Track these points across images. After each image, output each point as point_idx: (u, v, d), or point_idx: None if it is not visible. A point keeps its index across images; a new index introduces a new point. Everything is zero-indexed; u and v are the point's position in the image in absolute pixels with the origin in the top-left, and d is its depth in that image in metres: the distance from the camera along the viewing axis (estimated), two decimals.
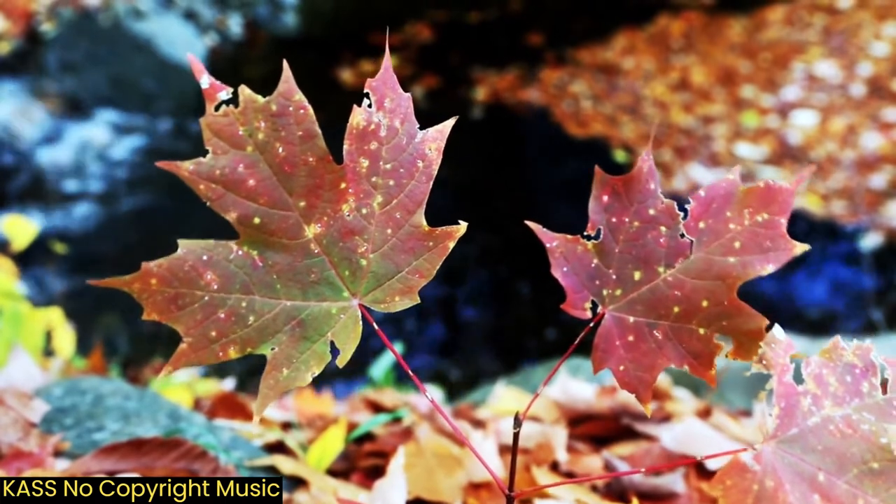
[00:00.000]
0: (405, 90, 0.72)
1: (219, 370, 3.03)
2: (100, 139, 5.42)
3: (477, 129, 5.66)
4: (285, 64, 0.68)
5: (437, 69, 6.34)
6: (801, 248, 0.71)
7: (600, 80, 6.18)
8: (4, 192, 5.00)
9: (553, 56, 6.47)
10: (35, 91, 5.80)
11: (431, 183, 0.72)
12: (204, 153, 0.68)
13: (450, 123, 0.73)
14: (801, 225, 4.59)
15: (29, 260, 3.96)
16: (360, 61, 6.38)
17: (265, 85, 0.69)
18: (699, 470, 1.31)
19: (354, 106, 0.71)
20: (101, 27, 6.21)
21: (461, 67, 6.36)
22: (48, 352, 2.13)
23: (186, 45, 6.21)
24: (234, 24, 6.92)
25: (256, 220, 0.70)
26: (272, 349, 0.71)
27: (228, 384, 2.35)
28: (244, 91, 0.68)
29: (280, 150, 0.69)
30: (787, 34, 6.59)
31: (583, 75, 6.24)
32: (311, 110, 0.69)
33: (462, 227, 0.73)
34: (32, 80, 5.91)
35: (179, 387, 1.94)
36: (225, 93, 0.68)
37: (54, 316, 2.12)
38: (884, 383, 0.75)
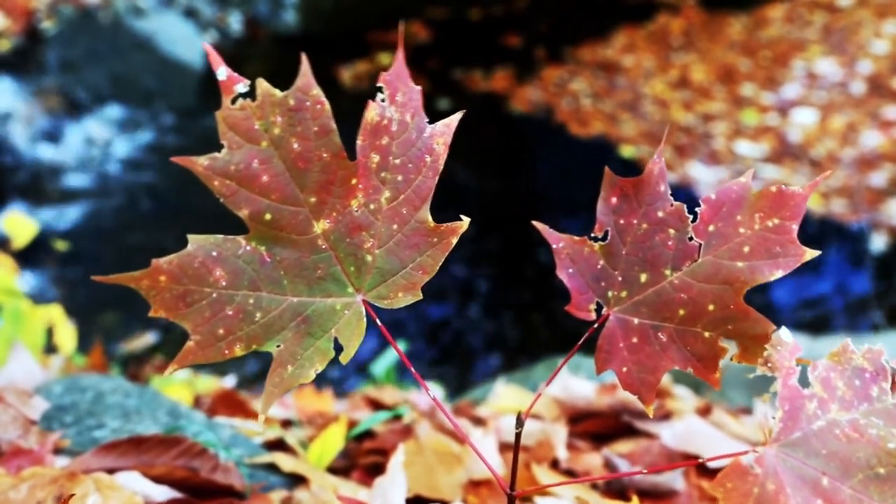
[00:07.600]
0: None
1: (218, 367, 3.03)
2: (100, 137, 5.42)
3: (477, 129, 5.65)
4: (304, 57, 0.66)
5: (436, 67, 6.32)
6: (811, 253, 0.71)
7: (600, 77, 6.17)
8: (5, 190, 4.99)
9: (553, 54, 6.46)
10: (35, 88, 5.79)
11: (437, 178, 0.71)
12: (217, 148, 0.66)
13: (457, 117, 0.72)
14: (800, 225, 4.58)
15: (29, 257, 3.96)
16: (358, 59, 6.37)
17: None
18: (699, 468, 1.31)
19: (369, 101, 0.69)
20: (102, 25, 6.21)
21: (460, 66, 6.35)
22: (49, 349, 2.12)
23: (187, 43, 6.21)
24: (235, 22, 6.92)
25: (267, 217, 0.69)
26: (277, 346, 0.70)
27: (229, 381, 2.35)
28: (262, 84, 0.66)
29: (295, 145, 0.68)
30: (787, 32, 6.59)
31: (583, 73, 6.23)
32: (328, 105, 0.67)
33: (465, 222, 0.72)
34: (33, 77, 5.91)
35: (179, 384, 1.93)
36: (242, 85, 0.66)
37: (55, 313, 2.11)
38: (895, 387, 0.73)
